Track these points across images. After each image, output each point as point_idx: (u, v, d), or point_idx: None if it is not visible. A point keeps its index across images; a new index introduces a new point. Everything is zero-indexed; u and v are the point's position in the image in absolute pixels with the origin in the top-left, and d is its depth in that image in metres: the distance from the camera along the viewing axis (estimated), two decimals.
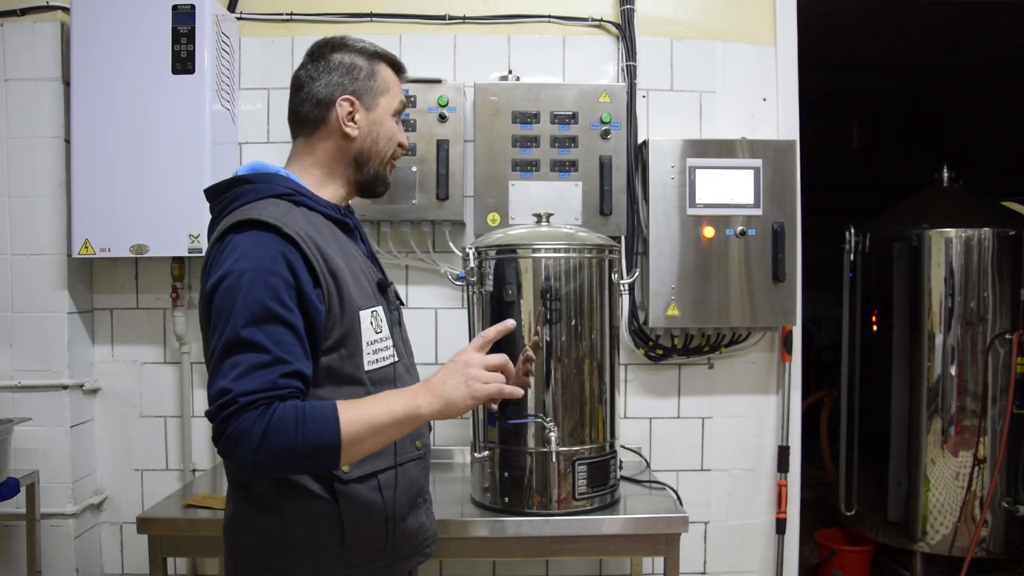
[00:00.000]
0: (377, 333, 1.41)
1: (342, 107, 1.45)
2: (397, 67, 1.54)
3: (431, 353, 2.58)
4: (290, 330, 1.24)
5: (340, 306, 1.34)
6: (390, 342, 1.45)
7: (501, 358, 1.34)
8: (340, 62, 1.47)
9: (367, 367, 1.38)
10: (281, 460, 1.21)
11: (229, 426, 1.18)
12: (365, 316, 1.38)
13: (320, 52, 1.49)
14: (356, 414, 1.24)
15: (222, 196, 1.41)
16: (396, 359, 1.46)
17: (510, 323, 1.42)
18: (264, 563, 1.37)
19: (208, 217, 1.44)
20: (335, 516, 1.35)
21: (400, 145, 1.54)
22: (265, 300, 1.23)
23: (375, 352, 1.40)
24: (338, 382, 1.35)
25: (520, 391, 1.38)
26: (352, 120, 1.46)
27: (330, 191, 1.48)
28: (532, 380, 1.88)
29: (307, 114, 1.48)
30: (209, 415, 1.21)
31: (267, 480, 1.34)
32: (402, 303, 1.64)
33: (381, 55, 1.52)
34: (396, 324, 1.51)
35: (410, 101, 2.40)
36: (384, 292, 1.48)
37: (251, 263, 1.25)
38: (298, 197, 1.39)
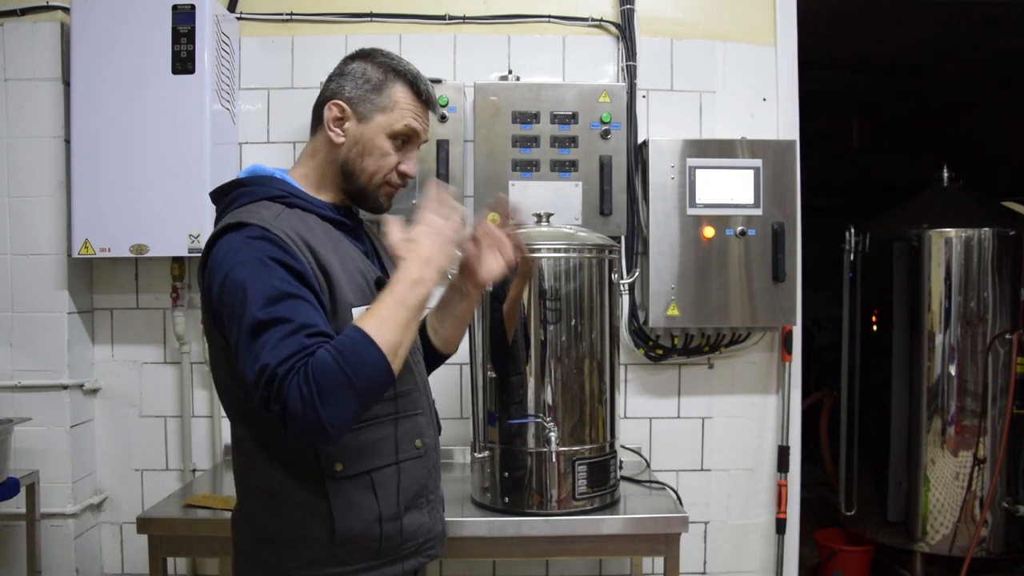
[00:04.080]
0: None
1: (330, 111, 1.45)
2: (418, 91, 1.47)
3: None
4: (305, 302, 1.26)
5: (332, 303, 1.35)
6: None
7: (449, 201, 1.38)
8: (354, 69, 1.47)
9: None
10: (345, 403, 1.18)
11: (282, 398, 1.16)
12: (358, 313, 1.37)
13: (348, 58, 1.50)
14: (380, 323, 1.23)
15: (223, 199, 1.44)
16: None
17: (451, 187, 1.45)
18: (260, 556, 1.40)
19: (208, 217, 1.45)
20: (326, 513, 1.36)
21: (401, 173, 1.48)
22: (274, 282, 1.25)
23: None
24: None
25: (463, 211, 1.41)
26: (340, 127, 1.45)
27: (325, 194, 1.49)
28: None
29: (313, 114, 1.51)
30: (260, 400, 1.19)
31: (263, 474, 1.36)
32: None
33: (402, 73, 1.46)
34: None
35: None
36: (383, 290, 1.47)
37: (250, 255, 1.27)
38: (291, 199, 1.41)
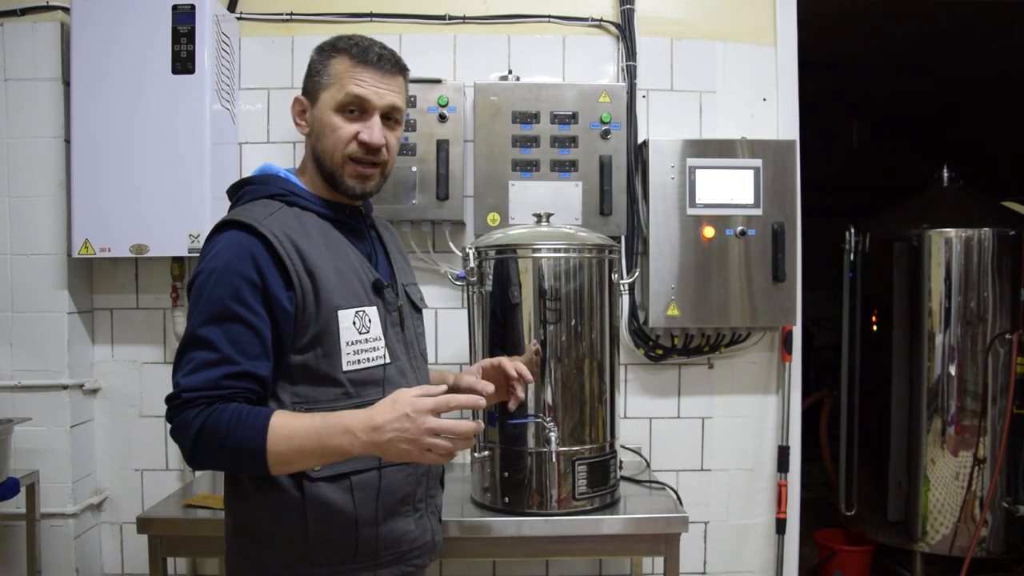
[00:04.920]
0: (362, 333, 1.40)
1: (293, 107, 1.48)
2: (356, 57, 1.41)
3: (431, 353, 2.56)
4: (249, 329, 1.28)
5: (316, 305, 1.35)
6: (380, 343, 1.42)
7: (451, 426, 1.24)
8: (309, 62, 1.48)
9: (346, 367, 1.37)
10: (214, 457, 1.29)
11: (174, 419, 1.28)
12: (346, 316, 1.37)
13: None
14: (288, 433, 1.25)
15: (232, 197, 1.47)
16: (387, 360, 1.43)
17: (481, 400, 1.31)
18: (240, 550, 1.42)
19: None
20: (301, 513, 1.36)
21: (361, 143, 1.41)
22: (225, 299, 1.28)
23: (357, 352, 1.39)
24: (315, 381, 1.37)
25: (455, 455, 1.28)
26: (303, 119, 1.47)
27: (322, 192, 1.48)
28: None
29: None
30: (165, 402, 1.30)
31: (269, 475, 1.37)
32: (416, 306, 1.60)
33: (340, 48, 1.43)
34: (395, 325, 1.48)
35: (410, 101, 2.40)
36: (380, 293, 1.46)
37: (221, 262, 1.31)
38: (291, 197, 1.42)
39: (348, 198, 1.48)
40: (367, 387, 1.39)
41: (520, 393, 1.49)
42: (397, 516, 1.45)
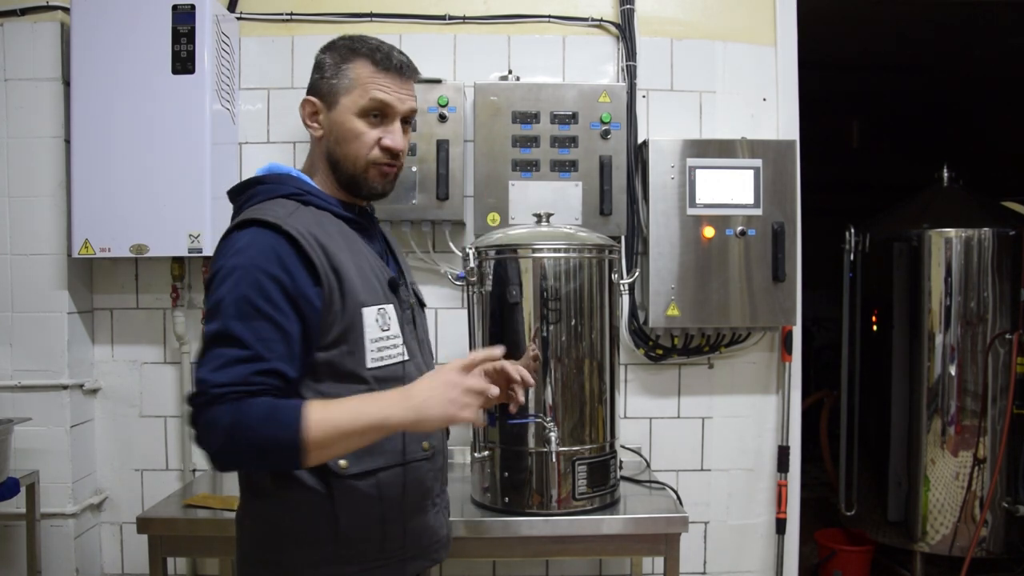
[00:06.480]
0: (384, 331, 1.40)
1: (303, 108, 1.47)
2: (376, 61, 1.41)
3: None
4: (275, 327, 1.27)
5: (342, 302, 1.34)
6: (399, 340, 1.43)
7: (484, 385, 1.29)
8: (320, 61, 1.47)
9: (370, 364, 1.38)
10: (244, 454, 1.24)
11: (201, 416, 1.22)
12: (370, 313, 1.38)
13: (318, 52, 1.49)
14: (324, 416, 1.23)
15: (239, 197, 1.45)
16: (406, 357, 1.45)
17: (497, 351, 1.37)
18: (261, 555, 1.39)
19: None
20: (329, 511, 1.35)
21: (384, 148, 1.42)
22: (253, 296, 1.26)
23: (380, 350, 1.40)
24: (340, 378, 1.36)
25: (483, 420, 1.31)
26: (315, 121, 1.46)
27: (331, 190, 1.48)
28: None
29: None
30: (188, 401, 1.25)
31: (265, 472, 1.36)
32: (423, 304, 1.62)
33: (361, 52, 1.42)
34: (408, 323, 1.49)
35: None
36: (396, 291, 1.46)
37: (246, 259, 1.28)
38: (307, 197, 1.42)
39: (365, 198, 1.49)
40: (389, 384, 1.39)
41: (520, 397, 1.49)
42: (419, 512, 1.47)
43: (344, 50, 1.44)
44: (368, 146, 1.42)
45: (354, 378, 1.37)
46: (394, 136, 1.43)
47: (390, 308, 1.43)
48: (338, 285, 1.34)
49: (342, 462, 1.35)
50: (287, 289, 1.29)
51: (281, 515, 1.37)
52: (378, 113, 1.43)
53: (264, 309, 1.26)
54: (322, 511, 1.35)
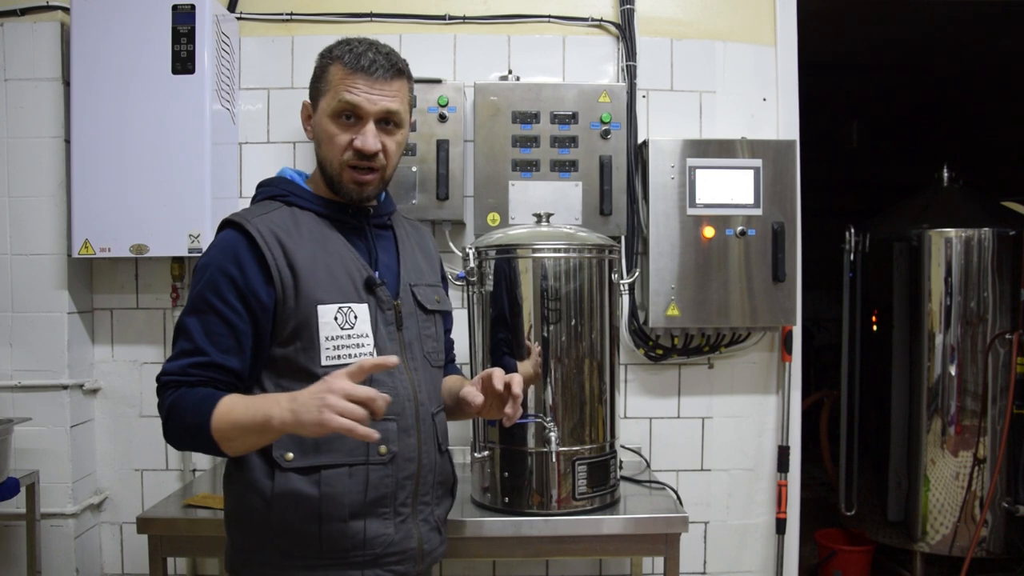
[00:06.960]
0: (344, 329, 1.41)
1: (301, 113, 1.53)
2: (348, 64, 1.41)
3: None
4: (223, 322, 1.36)
5: (296, 300, 1.38)
6: (365, 340, 1.42)
7: (366, 392, 1.20)
8: (313, 67, 1.51)
9: (324, 362, 1.40)
10: (181, 437, 1.38)
11: (158, 400, 1.39)
12: (327, 311, 1.40)
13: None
14: (227, 411, 1.31)
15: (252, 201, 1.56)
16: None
17: (391, 359, 1.26)
18: (228, 536, 1.49)
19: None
20: (267, 500, 1.38)
21: (355, 150, 1.41)
22: (207, 294, 1.37)
23: (337, 348, 1.40)
24: (294, 374, 1.40)
25: (375, 434, 1.22)
26: (309, 124, 1.52)
27: (324, 191, 1.51)
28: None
29: None
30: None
31: (229, 455, 1.41)
32: (422, 306, 1.56)
33: (335, 55, 1.44)
34: (389, 324, 1.47)
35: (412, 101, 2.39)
36: (373, 291, 1.46)
37: (210, 258, 1.40)
38: (290, 197, 1.48)
39: (351, 201, 1.50)
40: None
41: (509, 410, 1.43)
42: (371, 517, 1.42)
43: (327, 53, 1.48)
44: (340, 148, 1.44)
45: (307, 375, 1.38)
46: (364, 137, 1.42)
47: (359, 307, 1.43)
48: (293, 283, 1.38)
49: (288, 454, 1.38)
50: (239, 286, 1.37)
51: (235, 496, 1.45)
52: (350, 115, 1.43)
53: (216, 305, 1.36)
54: (262, 499, 1.39)
